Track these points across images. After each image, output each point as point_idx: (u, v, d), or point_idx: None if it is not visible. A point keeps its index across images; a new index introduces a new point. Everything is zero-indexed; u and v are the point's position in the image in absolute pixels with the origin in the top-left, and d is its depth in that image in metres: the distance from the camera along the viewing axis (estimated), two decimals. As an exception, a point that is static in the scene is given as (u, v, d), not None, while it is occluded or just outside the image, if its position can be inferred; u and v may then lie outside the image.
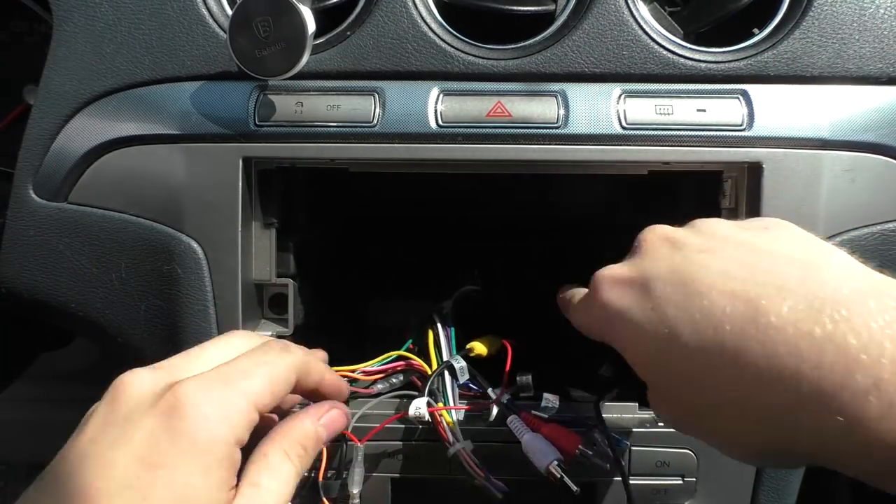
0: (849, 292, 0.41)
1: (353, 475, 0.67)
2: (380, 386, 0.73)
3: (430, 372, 0.71)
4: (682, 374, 0.46)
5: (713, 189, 0.72)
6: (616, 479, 0.68)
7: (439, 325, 0.75)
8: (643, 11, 0.69)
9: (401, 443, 0.70)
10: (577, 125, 0.67)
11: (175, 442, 0.45)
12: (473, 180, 0.77)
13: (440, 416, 0.67)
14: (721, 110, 0.67)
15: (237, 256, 0.68)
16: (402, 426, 0.69)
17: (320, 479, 0.67)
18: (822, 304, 0.41)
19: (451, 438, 0.66)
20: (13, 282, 0.71)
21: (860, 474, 0.40)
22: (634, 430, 0.69)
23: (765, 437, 0.43)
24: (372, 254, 1.02)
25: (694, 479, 0.69)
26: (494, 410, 0.69)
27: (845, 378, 0.38)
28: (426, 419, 0.67)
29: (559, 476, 0.63)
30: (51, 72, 0.71)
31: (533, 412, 0.68)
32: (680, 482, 0.69)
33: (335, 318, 0.96)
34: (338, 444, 0.68)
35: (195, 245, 0.68)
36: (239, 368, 0.50)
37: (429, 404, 0.67)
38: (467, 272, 0.85)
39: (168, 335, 0.70)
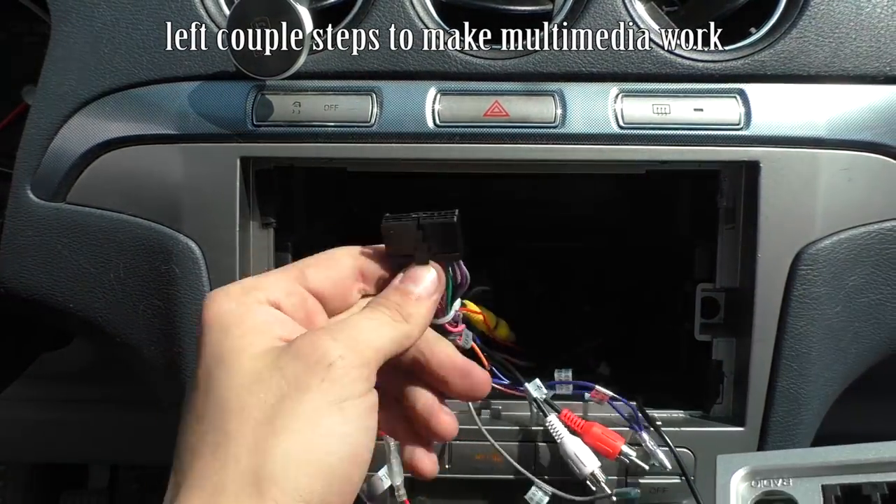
0: None
1: (392, 468, 0.65)
2: None
3: None
4: None
5: (711, 188, 0.72)
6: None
7: None
8: (640, 11, 0.69)
9: None
10: (575, 125, 0.67)
11: None
12: (471, 180, 0.77)
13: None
14: (718, 109, 0.66)
15: (235, 256, 0.68)
16: None
17: None
18: None
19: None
20: (12, 282, 0.71)
21: None
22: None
23: None
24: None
25: (693, 479, 0.69)
26: (533, 408, 0.69)
27: None
28: None
29: (601, 482, 0.64)
30: (49, 72, 0.71)
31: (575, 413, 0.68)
32: (679, 482, 0.69)
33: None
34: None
35: (193, 245, 0.68)
36: None
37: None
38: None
39: (166, 335, 0.70)
